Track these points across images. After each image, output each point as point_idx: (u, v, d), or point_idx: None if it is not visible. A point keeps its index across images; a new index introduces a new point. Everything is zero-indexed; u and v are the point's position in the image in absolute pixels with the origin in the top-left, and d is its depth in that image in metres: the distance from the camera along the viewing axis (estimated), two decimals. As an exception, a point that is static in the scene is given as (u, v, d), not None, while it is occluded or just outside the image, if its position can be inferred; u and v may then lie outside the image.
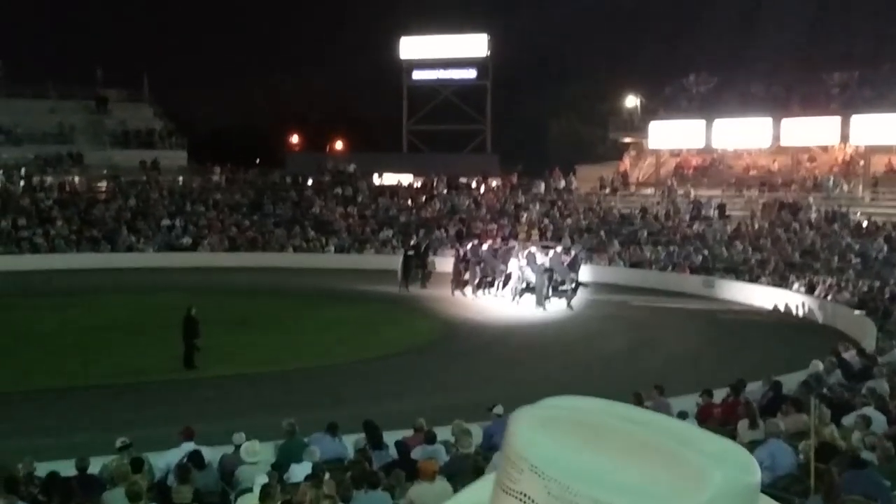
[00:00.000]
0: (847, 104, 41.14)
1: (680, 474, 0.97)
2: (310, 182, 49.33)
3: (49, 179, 46.81)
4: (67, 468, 11.47)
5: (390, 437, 12.79)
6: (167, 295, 29.65)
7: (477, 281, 32.38)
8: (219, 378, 20.93)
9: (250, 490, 10.31)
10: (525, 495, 1.00)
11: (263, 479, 10.07)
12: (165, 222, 43.62)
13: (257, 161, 59.77)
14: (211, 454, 12.11)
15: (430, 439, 12.47)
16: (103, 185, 47.84)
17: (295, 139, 75.73)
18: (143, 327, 25.84)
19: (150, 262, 39.42)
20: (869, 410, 12.69)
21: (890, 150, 40.35)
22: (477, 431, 13.23)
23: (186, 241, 42.29)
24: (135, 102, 55.29)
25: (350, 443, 12.99)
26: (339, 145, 72.64)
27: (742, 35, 58.87)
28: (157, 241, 42.16)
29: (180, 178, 49.48)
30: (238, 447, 12.22)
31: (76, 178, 47.90)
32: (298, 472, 11.25)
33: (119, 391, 19.86)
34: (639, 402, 14.16)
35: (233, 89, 78.49)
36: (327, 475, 10.66)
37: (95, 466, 11.72)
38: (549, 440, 1.00)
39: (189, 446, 12.10)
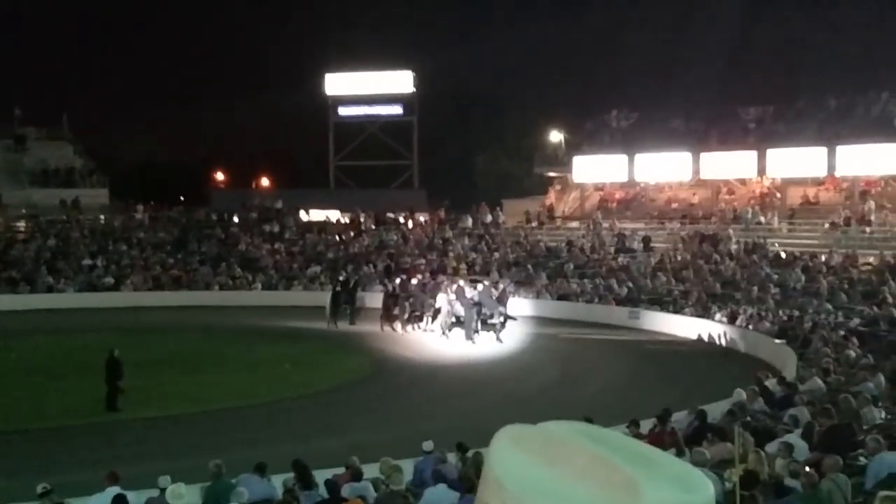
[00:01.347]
0: (763, 138, 42.35)
1: (620, 489, 1.05)
2: (236, 219, 48.86)
3: (-34, 220, 45.60)
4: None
5: (321, 476, 12.66)
6: (89, 336, 29.01)
7: (406, 316, 32.35)
8: (143, 420, 20.48)
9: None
10: None
11: (190, 523, 9.89)
12: (87, 262, 42.69)
13: (181, 198, 59.04)
14: (136, 498, 11.85)
15: (357, 476, 12.38)
16: (22, 224, 46.73)
17: (220, 176, 75.08)
18: (65, 370, 25.17)
19: (72, 303, 38.43)
20: (791, 437, 12.98)
21: (805, 182, 41.61)
22: (408, 467, 13.18)
23: (109, 280, 41.41)
24: (54, 140, 54.32)
25: (279, 483, 12.82)
26: (265, 182, 72.25)
27: (661, 72, 60.37)
28: (78, 282, 41.20)
29: (102, 217, 48.59)
30: (163, 490, 11.98)
31: (-7, 218, 46.72)
32: (227, 514, 11.06)
33: (40, 435, 19.28)
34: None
35: (156, 126, 77.58)
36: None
37: (15, 514, 11.37)
38: (516, 457, 1.10)
39: (114, 490, 11.81)
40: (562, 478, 1.06)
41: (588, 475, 1.07)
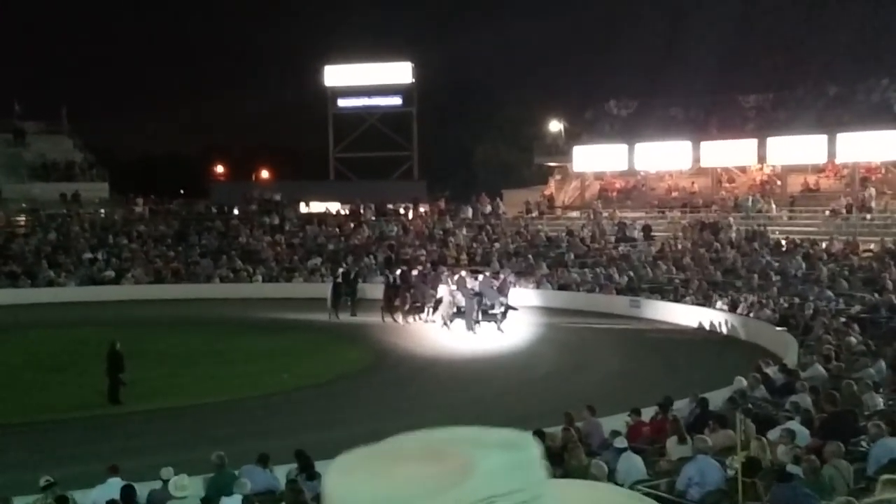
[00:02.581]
0: (763, 126, 42.32)
1: (451, 469, 1.07)
2: (236, 211, 48.85)
3: (-35, 214, 45.58)
4: (-12, 510, 11.13)
5: (323, 467, 12.67)
6: (90, 330, 29.02)
7: (407, 307, 32.36)
8: (145, 413, 20.51)
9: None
10: None
11: (193, 514, 9.91)
12: (87, 255, 42.68)
13: (181, 191, 59.03)
14: (139, 490, 11.86)
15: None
16: (22, 218, 46.72)
17: (220, 168, 75.08)
18: (66, 363, 25.24)
19: (72, 297, 38.42)
20: (793, 424, 12.99)
21: (805, 170, 41.58)
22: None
23: (109, 274, 41.40)
24: (53, 134, 54.24)
25: (282, 474, 12.84)
26: (264, 174, 72.25)
27: (660, 60, 60.21)
28: (78, 275, 41.19)
29: (102, 211, 48.56)
30: (166, 482, 12.00)
31: (-7, 213, 46.70)
32: (229, 505, 11.08)
33: (42, 429, 19.32)
34: (570, 422, 14.31)
35: (155, 119, 77.61)
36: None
37: (18, 507, 11.40)
38: (348, 480, 1.11)
39: (115, 481, 11.84)
40: (392, 484, 1.07)
41: (415, 470, 1.08)
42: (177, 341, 28.73)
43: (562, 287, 36.87)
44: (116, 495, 11.24)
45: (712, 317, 30.23)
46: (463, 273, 33.42)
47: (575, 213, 46.04)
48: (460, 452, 1.08)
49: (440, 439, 1.12)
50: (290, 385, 23.10)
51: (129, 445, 17.02)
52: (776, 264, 33.42)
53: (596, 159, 46.59)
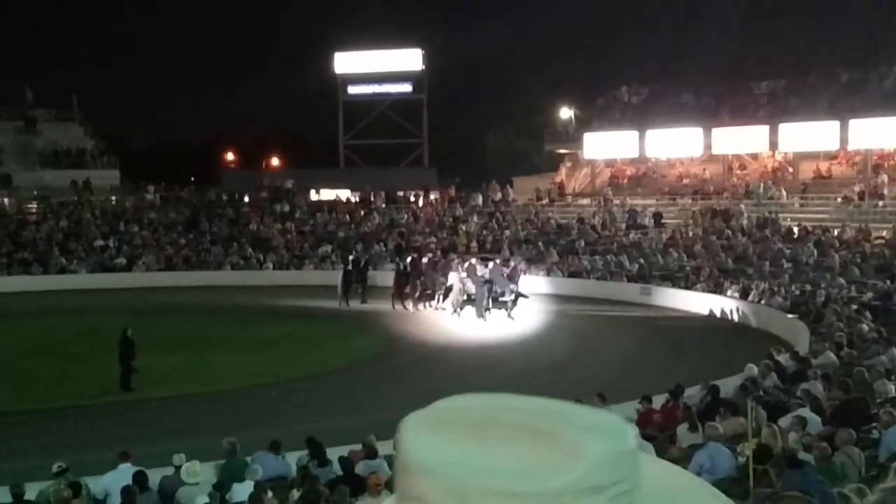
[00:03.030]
0: (774, 113, 42.09)
1: (558, 451, 1.01)
2: (246, 199, 48.92)
3: (-23, 202, 45.76)
4: (2, 495, 11.20)
5: (333, 454, 12.71)
6: (102, 317, 29.13)
7: (417, 294, 32.37)
8: (157, 399, 20.61)
9: (192, 511, 10.17)
10: (420, 498, 1.02)
11: (205, 500, 9.96)
12: (99, 243, 42.83)
13: (192, 179, 59.13)
14: (151, 476, 11.92)
15: (372, 454, 12.42)
16: (34, 206, 46.88)
17: (230, 156, 75.15)
18: (78, 350, 25.34)
19: (84, 284, 38.58)
20: (804, 412, 12.96)
21: (817, 156, 41.38)
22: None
23: (121, 261, 41.54)
24: (65, 122, 54.36)
25: (293, 461, 12.88)
26: (275, 161, 72.30)
27: (671, 46, 59.97)
28: (90, 263, 41.34)
29: (113, 198, 48.70)
30: (178, 468, 12.05)
31: (5, 200, 46.86)
32: (241, 491, 11.13)
33: (55, 415, 19.43)
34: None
35: (166, 107, 77.68)
36: (270, 494, 10.57)
37: (31, 493, 11.46)
38: (436, 440, 1.04)
39: (126, 467, 11.90)
40: (489, 455, 1.01)
41: (515, 445, 1.02)
42: (188, 328, 28.80)
43: (572, 274, 36.82)
44: (128, 481, 11.30)
45: (723, 304, 30.16)
46: (473, 260, 33.38)
47: (585, 201, 45.92)
48: (565, 434, 1.03)
49: (533, 412, 1.06)
50: (301, 372, 23.15)
51: (141, 432, 17.11)
52: (788, 251, 33.30)
53: (607, 146, 46.43)
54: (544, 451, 1.01)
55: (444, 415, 1.08)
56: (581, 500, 0.99)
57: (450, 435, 1.04)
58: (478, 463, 1.01)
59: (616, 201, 43.56)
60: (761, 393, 15.13)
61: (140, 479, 11.32)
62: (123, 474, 11.68)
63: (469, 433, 1.04)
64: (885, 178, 37.84)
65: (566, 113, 51.52)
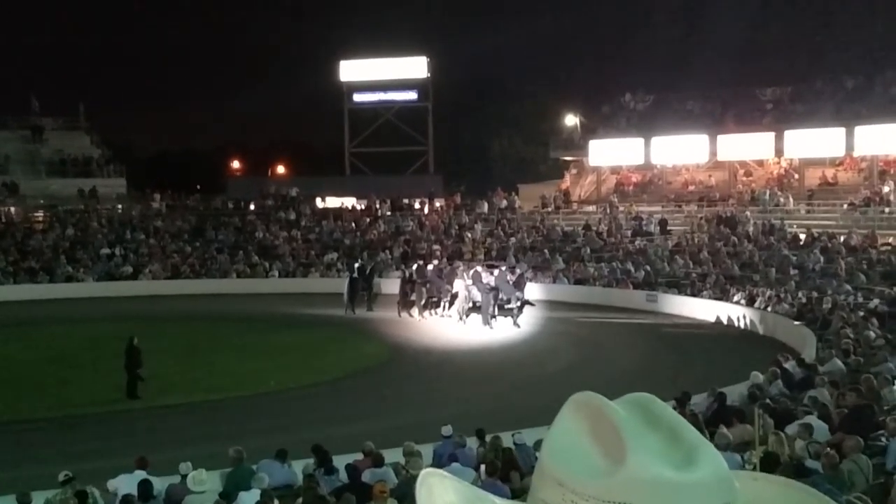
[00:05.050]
0: (780, 119, 42.06)
1: (610, 452, 1.15)
2: (252, 207, 48.99)
3: (-16, 210, 45.86)
4: (9, 504, 11.21)
5: (340, 462, 12.70)
6: (108, 325, 29.17)
7: (423, 302, 32.35)
8: (163, 408, 20.60)
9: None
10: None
11: (212, 508, 9.95)
12: (105, 251, 42.90)
13: (198, 187, 59.24)
14: (158, 485, 11.93)
15: (378, 462, 12.42)
16: (40, 214, 46.99)
17: (236, 164, 75.30)
18: (85, 358, 25.36)
19: (90, 293, 38.65)
20: (811, 419, 12.93)
21: (823, 163, 41.32)
22: (427, 452, 13.21)
23: (127, 269, 41.61)
24: (71, 130, 54.50)
25: (299, 468, 12.87)
26: (280, 169, 72.41)
27: (677, 53, 59.98)
28: (96, 271, 41.41)
29: (119, 206, 48.78)
30: (185, 477, 12.05)
31: (12, 209, 46.95)
32: (247, 499, 11.12)
33: (61, 424, 19.44)
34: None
35: (172, 116, 77.87)
36: (276, 502, 10.57)
37: (38, 501, 11.47)
38: (567, 421, 1.20)
39: (141, 474, 11.93)
40: (577, 438, 1.15)
41: (592, 436, 1.15)
42: (194, 336, 28.82)
43: (578, 282, 36.80)
44: (133, 489, 11.32)
45: (730, 311, 30.11)
46: (479, 268, 33.36)
47: (591, 208, 45.89)
48: (623, 441, 1.15)
49: (648, 420, 1.21)
50: (307, 380, 23.15)
51: (148, 440, 17.09)
52: (794, 258, 33.24)
53: (612, 153, 46.42)
54: (600, 451, 1.18)
55: (589, 401, 1.24)
56: None
57: (577, 422, 1.22)
58: (562, 445, 1.19)
59: (622, 208, 43.53)
60: (768, 400, 15.10)
61: (143, 488, 11.33)
62: (134, 480, 11.71)
63: (583, 422, 1.21)
64: (891, 184, 37.79)
65: (571, 120, 51.52)
